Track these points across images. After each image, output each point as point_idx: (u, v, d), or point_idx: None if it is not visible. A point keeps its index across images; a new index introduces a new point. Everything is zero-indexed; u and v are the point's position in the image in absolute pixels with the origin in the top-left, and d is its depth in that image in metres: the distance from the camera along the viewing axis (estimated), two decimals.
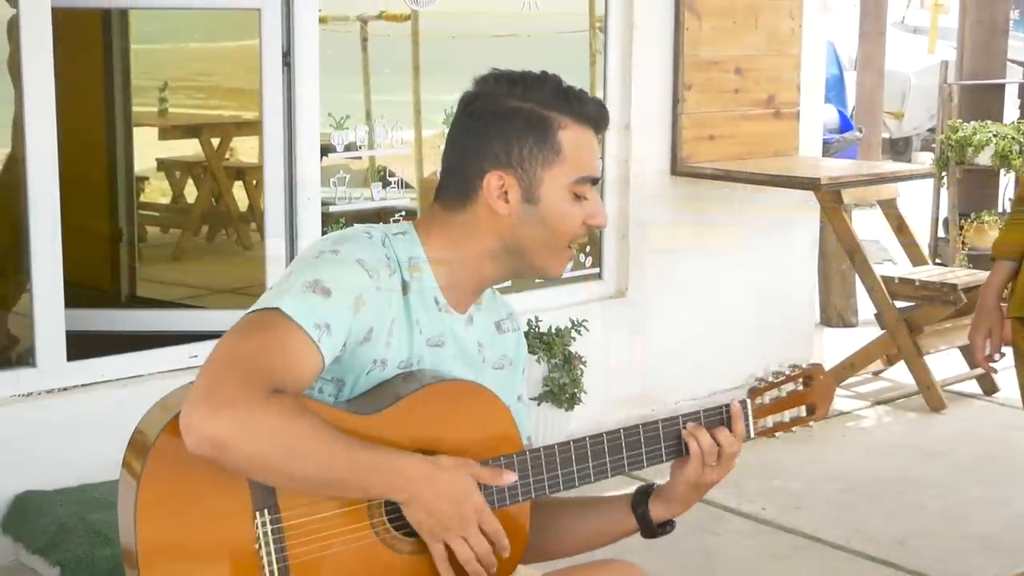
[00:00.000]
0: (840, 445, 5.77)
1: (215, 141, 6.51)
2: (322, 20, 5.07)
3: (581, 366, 5.28)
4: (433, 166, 5.55)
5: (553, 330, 5.36)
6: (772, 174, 5.91)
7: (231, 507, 2.04)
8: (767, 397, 2.49)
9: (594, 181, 2.29)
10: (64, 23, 4.58)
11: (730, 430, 2.37)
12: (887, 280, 6.38)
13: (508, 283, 5.62)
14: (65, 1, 4.74)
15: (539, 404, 5.22)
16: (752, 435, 2.45)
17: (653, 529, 2.45)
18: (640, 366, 5.90)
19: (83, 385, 4.54)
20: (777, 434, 2.51)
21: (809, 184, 5.84)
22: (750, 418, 2.43)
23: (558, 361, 5.25)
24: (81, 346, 4.56)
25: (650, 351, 5.99)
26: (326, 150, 5.16)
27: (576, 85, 2.30)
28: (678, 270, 6.18)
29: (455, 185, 2.28)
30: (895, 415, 6.23)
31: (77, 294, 4.80)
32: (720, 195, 6.23)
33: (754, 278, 6.49)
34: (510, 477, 2.17)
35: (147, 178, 6.58)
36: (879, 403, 6.38)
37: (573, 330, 5.39)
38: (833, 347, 7.12)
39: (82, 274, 5.12)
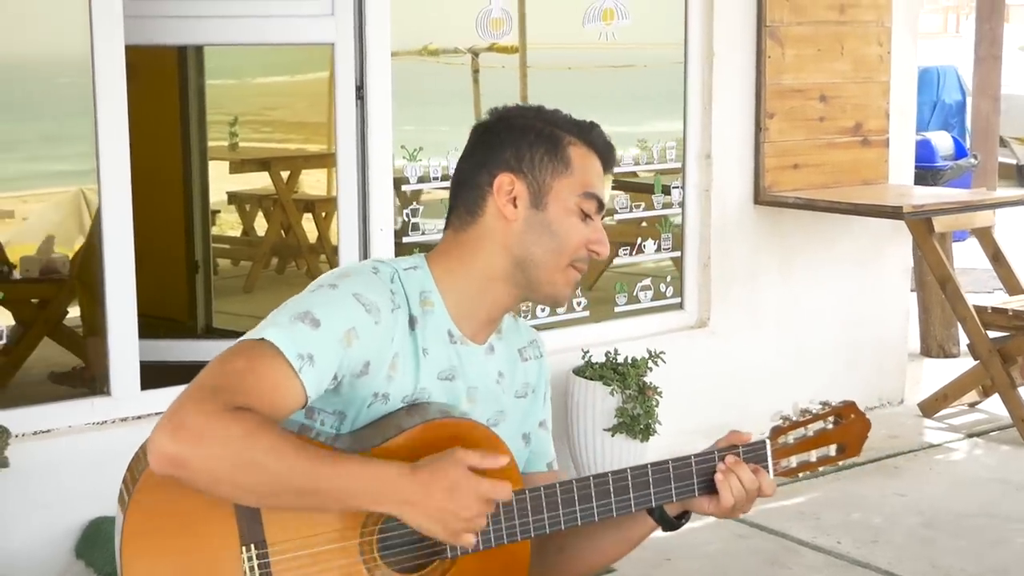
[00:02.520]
0: (927, 478, 5.63)
1: (284, 174, 6.61)
2: (419, 52, 5.14)
3: (656, 397, 5.24)
4: None
5: (629, 361, 5.33)
6: (855, 203, 5.81)
7: (218, 541, 2.05)
8: (791, 436, 2.44)
9: (601, 205, 2.30)
10: (141, 60, 4.69)
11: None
12: (980, 310, 6.23)
13: (586, 313, 5.70)
14: (141, 38, 4.87)
15: (613, 435, 5.20)
16: (771, 475, 2.41)
17: (672, 523, 2.42)
18: (722, 397, 5.83)
19: (156, 414, 4.59)
20: (801, 475, 2.46)
21: (892, 213, 5.74)
22: (769, 458, 2.38)
23: (632, 392, 5.21)
24: (156, 376, 4.65)
25: (732, 382, 5.92)
26: (400, 182, 5.21)
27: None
28: (762, 300, 6.11)
29: (465, 200, 2.30)
30: (987, 448, 6.07)
31: (154, 325, 4.90)
32: (806, 224, 6.15)
33: (842, 308, 6.39)
34: (502, 459, 2.14)
35: (218, 211, 6.70)
36: (972, 435, 6.22)
37: (650, 361, 5.35)
38: (932, 378, 6.96)
39: (159, 305, 5.22)
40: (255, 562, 2.05)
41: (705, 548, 4.85)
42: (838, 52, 6.16)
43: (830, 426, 2.44)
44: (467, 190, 2.30)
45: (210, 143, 6.38)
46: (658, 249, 5.92)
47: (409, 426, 2.16)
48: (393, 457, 2.10)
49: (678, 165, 5.93)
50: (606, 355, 5.37)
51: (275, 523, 2.07)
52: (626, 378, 5.23)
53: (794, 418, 2.43)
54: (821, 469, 2.49)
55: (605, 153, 2.32)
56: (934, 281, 7.12)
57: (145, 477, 2.03)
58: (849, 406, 2.47)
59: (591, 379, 5.26)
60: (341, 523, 2.11)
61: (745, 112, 5.95)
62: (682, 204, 5.94)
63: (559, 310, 5.65)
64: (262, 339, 2.07)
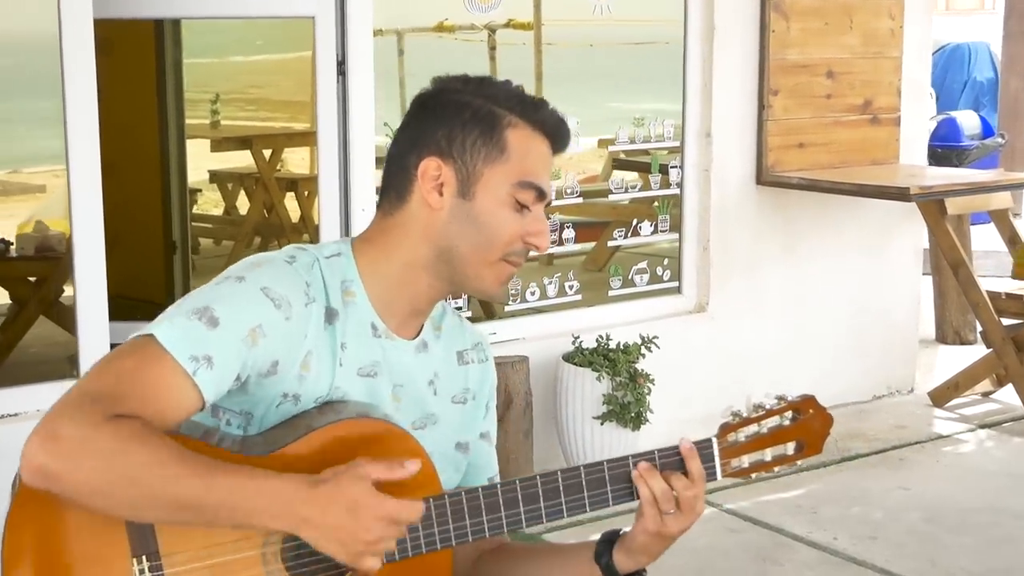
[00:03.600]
0: (932, 471, 5.42)
1: (267, 152, 6.44)
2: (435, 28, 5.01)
3: (648, 384, 5.05)
4: None
5: (620, 346, 5.14)
6: (860, 183, 5.59)
7: (107, 552, 1.87)
8: (742, 434, 2.24)
9: (541, 194, 2.06)
10: (115, 35, 4.52)
11: (685, 473, 2.09)
12: (994, 295, 6.01)
13: (577, 297, 5.50)
14: (116, 11, 4.70)
15: (602, 423, 5.02)
16: (719, 476, 2.20)
17: None
18: (720, 386, 5.63)
19: None
20: (754, 475, 2.26)
21: (898, 194, 5.51)
22: (716, 458, 2.17)
23: (623, 379, 5.02)
24: None
25: (731, 370, 5.71)
26: (383, 161, 5.01)
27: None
28: (764, 285, 5.90)
29: (394, 182, 2.09)
30: (998, 440, 5.85)
31: (130, 307, 4.74)
32: (811, 205, 5.94)
33: (849, 293, 6.17)
34: (412, 466, 1.93)
35: (200, 190, 6.55)
36: (983, 426, 5.99)
37: (642, 347, 5.16)
38: (946, 366, 6.74)
39: (136, 286, 5.07)
40: (147, 575, 1.88)
41: (692, 542, 4.63)
42: (847, 26, 5.93)
43: (787, 422, 2.23)
44: (397, 171, 2.09)
45: (191, 120, 6.22)
46: (655, 231, 5.71)
47: (319, 425, 1.97)
48: (299, 460, 1.92)
49: (677, 144, 5.71)
50: (597, 340, 5.18)
51: (170, 532, 1.89)
52: (616, 364, 5.04)
53: (745, 414, 2.23)
54: (778, 469, 2.29)
55: (554, 133, 2.08)
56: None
57: (20, 494, 1.85)
58: (807, 400, 2.26)
59: (580, 365, 5.07)
60: (243, 532, 1.92)
61: (748, 89, 5.74)
62: (680, 184, 5.73)
63: (550, 293, 5.46)
64: (153, 338, 1.88)
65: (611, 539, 2.18)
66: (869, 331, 6.24)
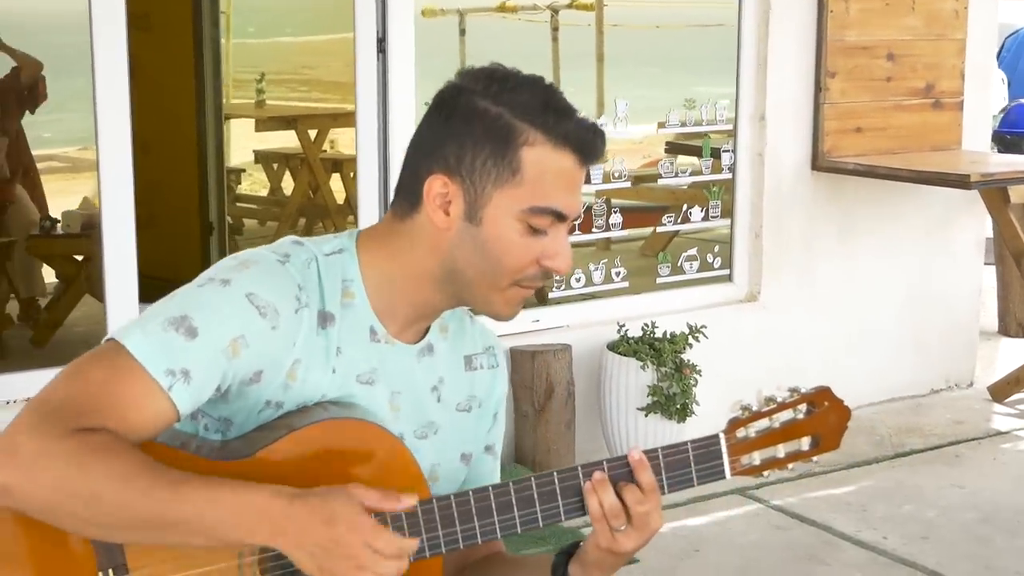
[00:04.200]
0: (990, 469, 5.22)
1: (312, 133, 6.32)
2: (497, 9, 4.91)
3: (695, 375, 4.89)
4: None
5: (667, 336, 4.99)
6: (919, 170, 5.39)
7: (70, 567, 1.75)
8: (752, 429, 2.08)
9: (560, 216, 1.89)
10: (153, 9, 4.43)
11: (638, 485, 1.91)
12: None
13: (624, 284, 5.35)
14: None
15: (647, 415, 4.87)
16: (728, 475, 2.05)
17: None
18: (771, 378, 5.41)
19: None
20: (766, 473, 2.10)
21: (958, 182, 5.30)
22: (724, 455, 2.02)
23: (668, 370, 4.87)
24: None
25: (783, 362, 5.53)
26: None
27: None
28: (818, 273, 5.72)
29: (406, 186, 1.93)
30: None
31: (164, 288, 4.64)
32: (869, 192, 5.75)
33: (908, 284, 5.97)
34: (408, 500, 1.80)
35: (243, 170, 6.45)
36: None
37: (690, 336, 5.00)
38: (1009, 359, 6.54)
39: (171, 268, 4.97)
40: None
41: (739, 539, 4.51)
42: (908, 6, 5.73)
43: (800, 416, 2.07)
44: (409, 176, 1.93)
45: (236, 100, 6.13)
46: (705, 217, 5.55)
47: (300, 426, 1.84)
48: (278, 464, 1.80)
49: (729, 127, 5.54)
50: (643, 329, 5.03)
51: (138, 544, 1.77)
52: (662, 354, 4.89)
53: (756, 407, 2.08)
54: (792, 467, 2.13)
55: (581, 145, 1.87)
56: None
57: None
58: (823, 392, 2.09)
59: (625, 355, 4.92)
60: (217, 545, 1.80)
61: (804, 71, 5.55)
62: (733, 169, 5.56)
63: (596, 279, 5.31)
64: (125, 349, 1.75)
65: (570, 552, 2.04)
66: (928, 323, 6.04)
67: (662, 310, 5.29)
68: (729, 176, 5.56)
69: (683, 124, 5.46)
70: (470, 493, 1.87)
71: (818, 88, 5.57)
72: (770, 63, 5.47)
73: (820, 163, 5.59)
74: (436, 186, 1.87)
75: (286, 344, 1.85)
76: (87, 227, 5.96)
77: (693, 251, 5.53)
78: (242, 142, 6.24)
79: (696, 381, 4.90)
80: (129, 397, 1.73)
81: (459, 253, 1.89)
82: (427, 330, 2.01)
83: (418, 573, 1.85)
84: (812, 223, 5.67)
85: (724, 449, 2.00)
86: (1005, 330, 7.17)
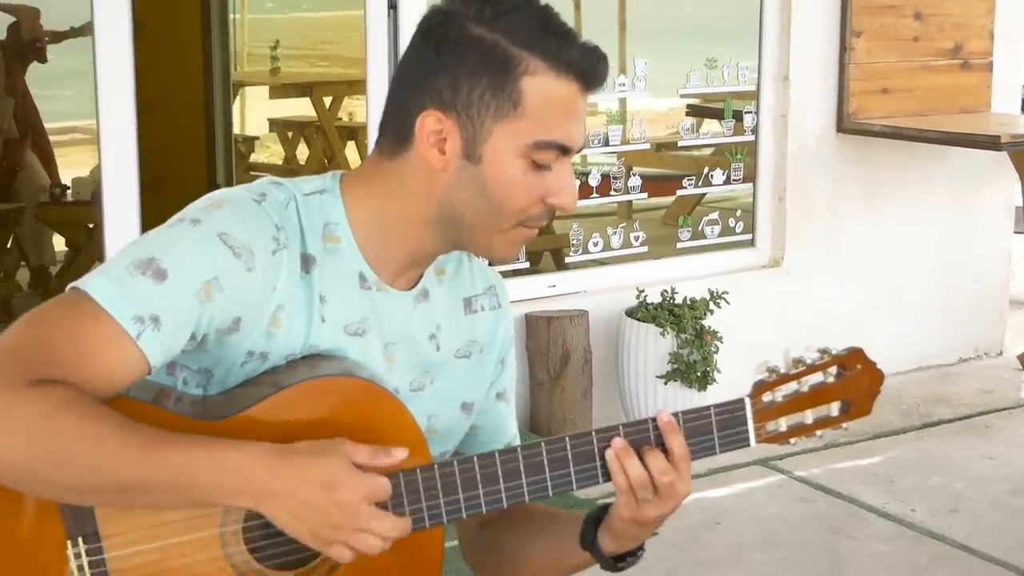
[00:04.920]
0: (1020, 440, 5.07)
1: (327, 100, 6.17)
2: None
3: (716, 342, 4.75)
4: None
5: (687, 302, 4.85)
6: (948, 131, 5.22)
7: (36, 537, 1.62)
8: (779, 393, 1.94)
9: (564, 150, 1.74)
10: None
11: (664, 452, 1.78)
12: None
13: (643, 248, 5.20)
14: None
15: (666, 383, 4.73)
16: (753, 442, 1.91)
17: (609, 563, 1.89)
18: (795, 345, 5.29)
19: None
20: (792, 440, 1.96)
21: (989, 143, 5.14)
22: (749, 420, 1.85)
23: (688, 336, 4.73)
24: None
25: (807, 329, 5.34)
26: None
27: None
28: (844, 239, 5.56)
29: (394, 122, 1.78)
30: None
31: None
32: (895, 155, 5.59)
33: (935, 249, 5.82)
34: (399, 453, 1.66)
35: (257, 137, 6.31)
36: None
37: (711, 302, 4.86)
38: None
39: None
40: (84, 559, 1.61)
41: (761, 511, 4.38)
42: None
43: (831, 379, 1.92)
44: (397, 111, 1.77)
45: (249, 67, 5.98)
46: (727, 180, 5.39)
47: (289, 383, 1.69)
48: (265, 424, 1.65)
49: (752, 88, 5.38)
50: (662, 295, 4.89)
51: (111, 510, 1.64)
52: (682, 321, 4.75)
53: (784, 370, 1.93)
54: (820, 434, 1.98)
55: (584, 71, 1.73)
56: None
57: None
58: (855, 353, 1.94)
59: (643, 321, 4.78)
60: (197, 509, 1.66)
61: (829, 30, 5.39)
62: (755, 131, 5.40)
63: (614, 244, 5.17)
64: (88, 295, 1.61)
65: (598, 518, 1.90)
66: (956, 289, 5.89)
67: (682, 276, 5.15)
68: (752, 138, 5.40)
69: (705, 84, 5.29)
70: (475, 459, 1.73)
71: (843, 48, 5.40)
72: (794, 22, 5.31)
73: (845, 125, 5.43)
74: (430, 123, 1.72)
75: (265, 288, 1.70)
76: (98, 194, 5.86)
77: (715, 215, 5.38)
78: (257, 110, 6.10)
79: (717, 348, 4.77)
80: (93, 346, 1.58)
81: (457, 194, 1.74)
82: (421, 275, 1.86)
83: (417, 539, 1.72)
84: (837, 187, 5.52)
85: (749, 414, 1.85)
86: None
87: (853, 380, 1.93)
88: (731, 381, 4.82)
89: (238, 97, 6.58)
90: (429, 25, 1.76)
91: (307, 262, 1.74)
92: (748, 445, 1.88)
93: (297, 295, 1.73)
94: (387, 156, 1.78)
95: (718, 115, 5.38)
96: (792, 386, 1.91)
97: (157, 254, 1.64)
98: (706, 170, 5.34)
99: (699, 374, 4.73)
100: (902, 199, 5.67)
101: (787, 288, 5.44)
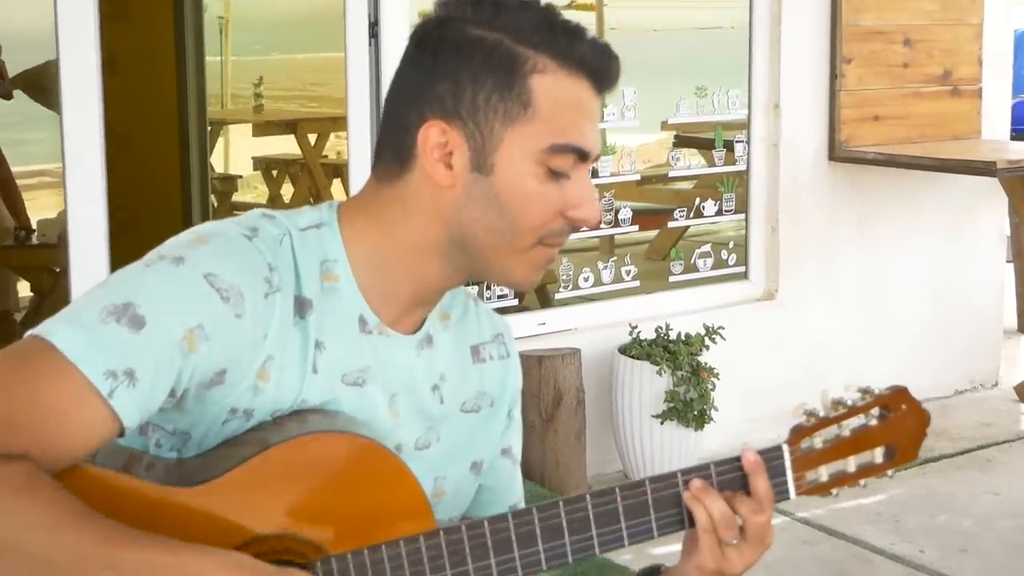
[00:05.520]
0: (1023, 474, 4.94)
1: (312, 137, 6.02)
2: None
3: (713, 379, 4.61)
4: None
5: (682, 337, 4.70)
6: (941, 158, 5.11)
7: None
8: (818, 439, 1.78)
9: (583, 155, 1.58)
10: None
11: (748, 493, 1.64)
12: None
13: (635, 283, 5.06)
14: None
15: (662, 423, 4.58)
16: (793, 495, 1.75)
17: None
18: (791, 380, 5.15)
19: None
20: (835, 491, 1.80)
21: (983, 169, 5.02)
22: (788, 471, 1.73)
23: (684, 373, 4.58)
24: None
25: (804, 362, 5.24)
26: None
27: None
28: (838, 269, 5.43)
29: (392, 142, 1.60)
30: None
31: None
32: (887, 183, 5.47)
33: (929, 279, 5.69)
34: None
35: (241, 176, 6.14)
36: None
37: (706, 337, 4.72)
38: None
39: None
40: None
41: (765, 555, 4.20)
42: None
43: (873, 422, 1.76)
44: (394, 130, 1.60)
45: (231, 105, 5.82)
46: (719, 211, 5.25)
47: (276, 441, 1.49)
48: (246, 488, 1.47)
49: (742, 117, 5.25)
50: (656, 331, 4.74)
51: None
52: (677, 357, 4.60)
53: (823, 412, 1.78)
54: (864, 483, 1.83)
55: (595, 68, 1.58)
56: None
57: None
58: (899, 393, 1.78)
59: (638, 358, 4.63)
60: None
61: (819, 56, 5.27)
62: (747, 160, 5.27)
63: (605, 279, 5.03)
64: (52, 346, 1.42)
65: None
66: (951, 320, 5.77)
67: (676, 311, 5.01)
68: (743, 168, 5.27)
69: (695, 113, 5.15)
70: (485, 523, 1.56)
71: (834, 74, 5.29)
72: (784, 48, 5.19)
73: (837, 153, 5.31)
74: (433, 135, 1.54)
75: (254, 336, 1.51)
76: (64, 237, 5.67)
77: (707, 248, 5.24)
78: (241, 149, 5.94)
79: (714, 385, 4.62)
80: (57, 406, 1.40)
81: (468, 213, 1.56)
82: (425, 318, 1.68)
83: None
84: (831, 217, 5.39)
85: (788, 463, 1.70)
86: None
87: (897, 422, 1.76)
88: (728, 419, 4.70)
89: (221, 135, 6.42)
90: (424, 32, 1.59)
91: (302, 306, 1.56)
92: (788, 498, 1.72)
93: (290, 344, 1.54)
94: (387, 181, 1.59)
95: (708, 145, 5.24)
96: (832, 430, 1.75)
97: (134, 298, 1.44)
98: (697, 201, 5.20)
99: (696, 413, 4.58)
100: (896, 229, 5.55)
101: (782, 321, 5.30)
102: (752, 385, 5.06)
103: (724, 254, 5.29)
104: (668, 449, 4.61)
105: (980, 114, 5.68)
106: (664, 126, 5.24)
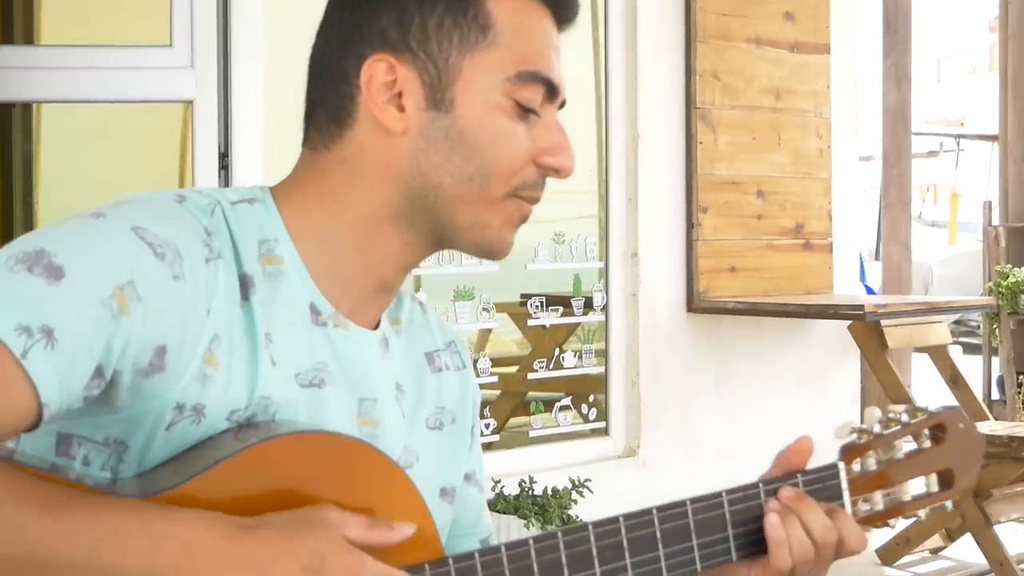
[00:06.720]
0: None
1: None
2: None
3: None
4: None
5: (550, 491, 4.41)
6: (807, 304, 5.01)
7: None
8: (871, 460, 1.56)
9: (552, 91, 1.35)
10: None
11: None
12: None
13: (495, 437, 4.76)
14: None
15: None
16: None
17: None
18: None
19: None
20: (892, 522, 1.58)
21: (852, 313, 4.92)
22: (846, 493, 1.52)
23: (555, 527, 4.27)
24: None
25: None
26: None
27: None
28: (697, 424, 5.23)
29: (324, 100, 1.35)
30: None
31: None
32: (746, 336, 5.33)
33: (786, 433, 5.49)
34: (404, 528, 1.20)
35: None
36: None
37: (574, 491, 4.44)
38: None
39: None
40: None
41: None
42: (775, 142, 5.42)
43: (926, 444, 1.57)
44: (326, 83, 1.35)
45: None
46: (579, 362, 5.01)
47: (238, 449, 1.18)
48: (212, 499, 1.15)
49: (601, 265, 5.06)
50: (520, 485, 4.43)
51: None
52: (547, 510, 4.30)
53: (877, 429, 1.56)
54: (922, 514, 1.61)
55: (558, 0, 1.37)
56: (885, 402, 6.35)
57: None
58: (953, 412, 1.58)
59: (504, 512, 4.31)
60: None
61: (675, 205, 5.15)
62: (605, 310, 5.06)
63: None
64: None
65: None
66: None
67: (538, 466, 4.71)
68: (602, 317, 5.05)
69: (553, 260, 4.94)
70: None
71: (690, 224, 5.17)
72: (640, 196, 5.05)
73: (696, 304, 5.15)
74: (379, 72, 1.31)
75: (196, 307, 1.21)
76: None
77: (567, 401, 4.97)
78: None
79: None
80: None
81: (428, 160, 1.31)
82: (381, 315, 1.41)
83: None
84: (689, 369, 5.20)
85: (845, 485, 1.47)
86: None
87: (952, 445, 1.57)
88: None
89: None
90: None
91: (245, 284, 1.27)
92: None
93: (236, 324, 1.24)
94: (323, 147, 1.34)
95: (565, 302, 4.99)
96: (885, 452, 1.55)
97: (48, 246, 1.14)
98: (557, 351, 4.95)
99: None
100: (753, 381, 5.40)
101: (645, 479, 5.04)
102: None
103: (584, 408, 5.04)
104: None
105: (832, 269, 5.63)
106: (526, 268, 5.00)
